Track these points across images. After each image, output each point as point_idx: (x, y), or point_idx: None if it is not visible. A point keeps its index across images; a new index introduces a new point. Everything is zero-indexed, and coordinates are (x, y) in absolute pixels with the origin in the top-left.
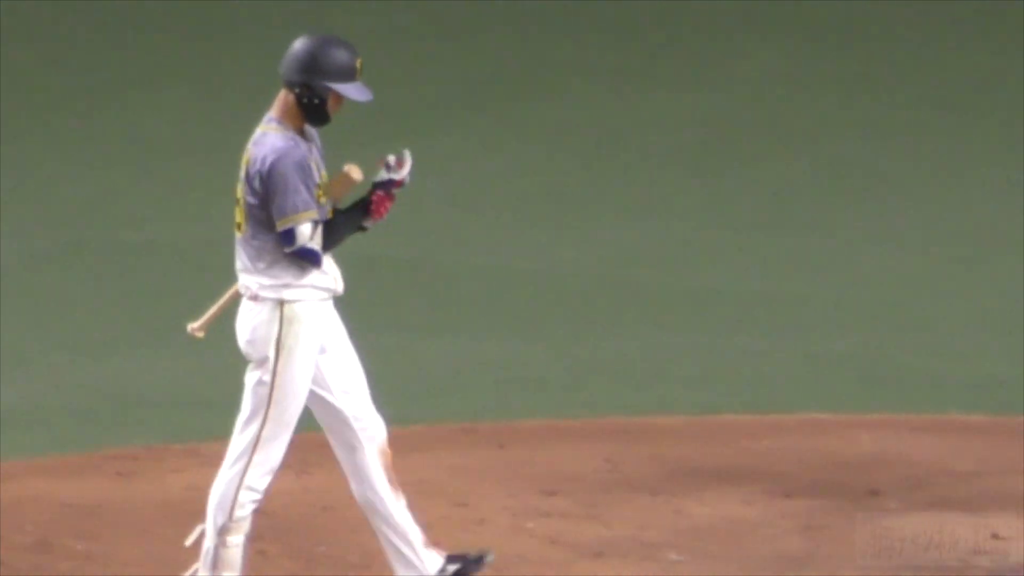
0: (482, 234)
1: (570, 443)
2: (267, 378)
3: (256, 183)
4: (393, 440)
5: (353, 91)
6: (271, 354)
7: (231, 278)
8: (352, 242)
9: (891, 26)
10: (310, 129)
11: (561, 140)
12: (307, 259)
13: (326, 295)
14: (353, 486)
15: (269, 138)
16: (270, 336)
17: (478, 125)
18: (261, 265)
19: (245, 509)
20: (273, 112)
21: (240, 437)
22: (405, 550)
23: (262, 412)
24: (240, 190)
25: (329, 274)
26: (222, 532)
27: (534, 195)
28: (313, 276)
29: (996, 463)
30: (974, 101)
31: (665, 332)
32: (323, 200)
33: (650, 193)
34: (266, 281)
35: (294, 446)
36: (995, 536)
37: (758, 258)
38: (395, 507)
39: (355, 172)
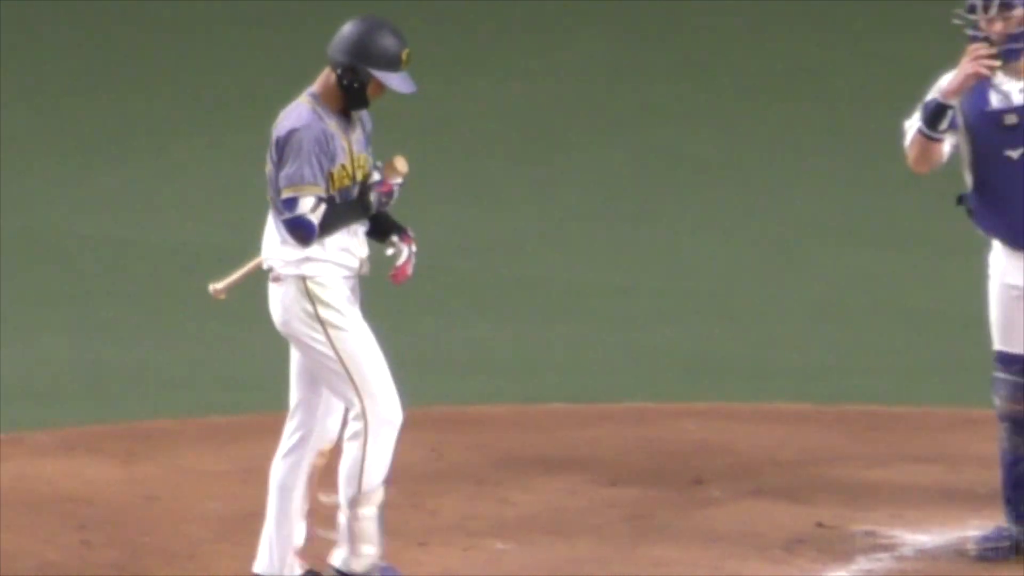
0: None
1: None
2: (330, 354)
3: (274, 150)
4: (222, 429)
5: (395, 81)
6: (313, 332)
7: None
8: (163, 227)
9: (715, 15)
10: (360, 111)
11: (384, 129)
12: (300, 229)
13: (348, 272)
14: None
15: (297, 109)
16: (306, 316)
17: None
18: (283, 238)
19: (375, 481)
20: (314, 87)
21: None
22: (272, 542)
23: (350, 386)
24: (267, 167)
25: (354, 254)
26: (352, 503)
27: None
28: (334, 253)
29: (819, 452)
30: (798, 90)
31: (490, 321)
32: (347, 182)
33: (475, 182)
34: (288, 256)
35: (119, 435)
36: (819, 525)
37: (583, 247)
38: (294, 502)
39: (400, 163)
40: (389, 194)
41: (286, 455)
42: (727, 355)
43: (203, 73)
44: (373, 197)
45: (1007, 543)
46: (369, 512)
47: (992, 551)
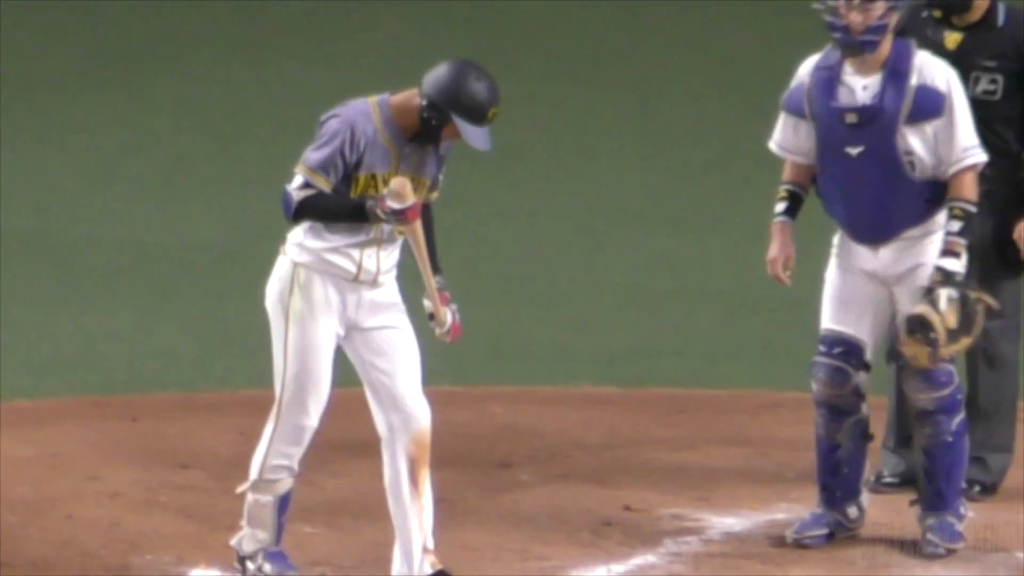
0: (110, 208)
1: (203, 416)
2: (278, 342)
3: (317, 124)
4: (25, 413)
5: (473, 135)
6: (278, 315)
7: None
8: None
9: (520, 0)
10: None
11: (189, 113)
12: (283, 201)
13: (342, 274)
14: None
15: (355, 103)
16: (277, 293)
17: (103, 98)
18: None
19: (275, 473)
20: (394, 95)
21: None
22: (401, 544)
23: (280, 376)
24: None
25: (354, 260)
26: (252, 488)
27: (162, 169)
28: (328, 252)
29: (626, 435)
30: (602, 75)
31: None
32: (373, 193)
33: (281, 166)
34: (292, 236)
35: None
36: (626, 508)
37: None
38: (407, 500)
39: (396, 184)
40: (387, 212)
41: (383, 455)
42: (533, 338)
43: (4, 54)
44: (370, 204)
45: (824, 530)
46: (264, 500)
47: (811, 539)
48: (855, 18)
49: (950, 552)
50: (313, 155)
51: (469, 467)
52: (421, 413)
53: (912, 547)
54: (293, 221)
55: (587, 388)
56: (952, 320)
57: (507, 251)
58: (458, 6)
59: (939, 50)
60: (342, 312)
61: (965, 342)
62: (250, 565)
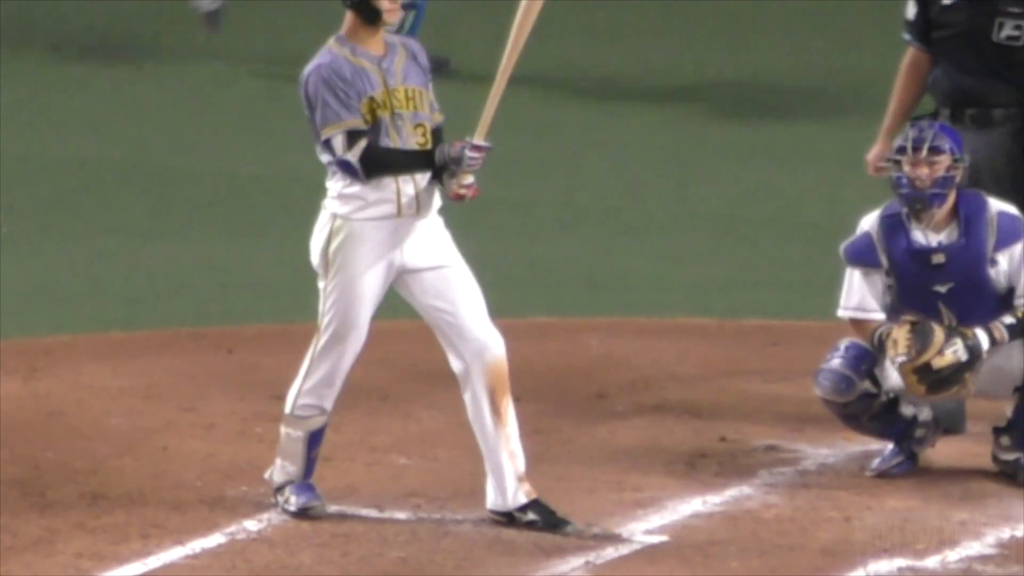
0: (204, 138)
1: (298, 348)
2: (321, 289)
3: (302, 96)
4: (121, 345)
5: None
6: (321, 266)
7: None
8: (63, 142)
9: None
10: (407, 41)
11: (284, 42)
12: (345, 171)
13: (385, 212)
14: (465, 398)
15: (318, 54)
16: (319, 246)
17: (197, 29)
18: (330, 178)
19: (306, 411)
20: (344, 27)
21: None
22: (493, 475)
23: (321, 321)
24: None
25: (391, 195)
26: (284, 420)
27: (257, 99)
28: (366, 192)
29: (721, 366)
30: (697, 6)
31: None
32: (382, 114)
33: None
34: (330, 189)
35: (19, 351)
36: (722, 439)
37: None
38: (492, 430)
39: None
40: (460, 153)
41: (463, 392)
42: (628, 270)
43: None
44: (438, 154)
45: (900, 457)
46: (297, 434)
47: (892, 468)
48: (922, 172)
49: None
50: (324, 113)
51: (564, 398)
52: (494, 343)
53: (1006, 477)
54: (369, 180)
55: (682, 319)
56: (938, 363)
57: (602, 182)
58: None
59: None
60: (388, 260)
61: (919, 385)
62: (279, 497)
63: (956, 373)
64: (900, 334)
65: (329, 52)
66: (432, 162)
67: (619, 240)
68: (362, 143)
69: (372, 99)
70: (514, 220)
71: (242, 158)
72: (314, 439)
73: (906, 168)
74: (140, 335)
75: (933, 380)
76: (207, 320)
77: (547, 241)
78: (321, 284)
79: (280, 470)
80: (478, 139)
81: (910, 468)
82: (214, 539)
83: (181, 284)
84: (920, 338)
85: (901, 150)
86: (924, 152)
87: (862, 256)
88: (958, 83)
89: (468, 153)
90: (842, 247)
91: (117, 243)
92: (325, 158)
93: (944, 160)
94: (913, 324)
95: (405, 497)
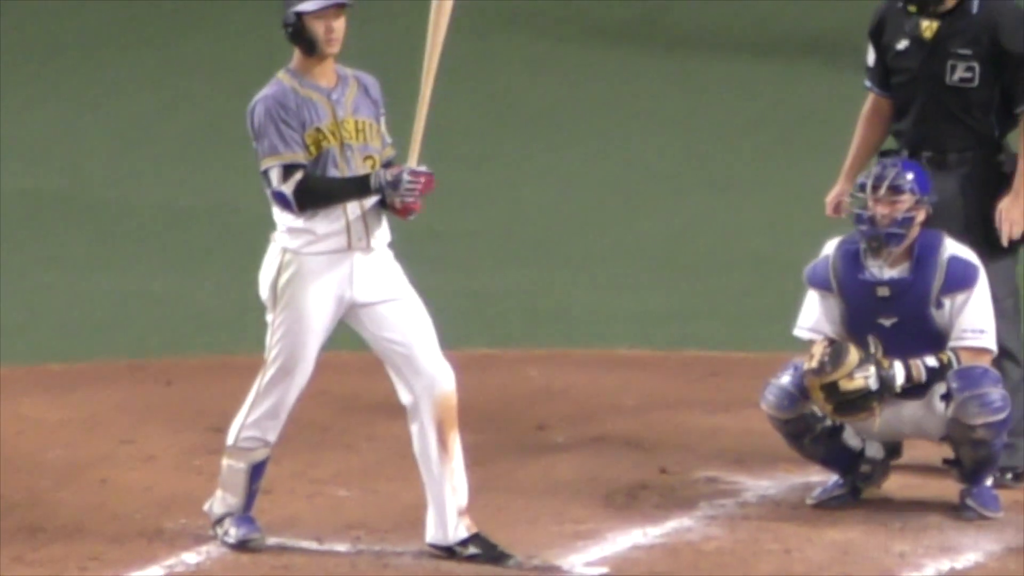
0: (144, 170)
1: (237, 379)
2: (269, 322)
3: (248, 126)
4: (60, 377)
5: (308, 6)
6: (269, 300)
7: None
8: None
9: None
10: (360, 74)
11: (225, 75)
12: (279, 202)
13: (335, 247)
14: (412, 429)
15: (267, 85)
16: (268, 279)
17: (139, 59)
18: (274, 207)
19: (250, 443)
20: (293, 59)
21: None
22: (435, 508)
23: (268, 354)
24: None
25: (339, 229)
26: (226, 452)
27: (197, 131)
28: (315, 226)
29: (662, 398)
30: (639, 35)
31: None
32: (328, 145)
33: None
34: (280, 222)
35: None
36: (662, 471)
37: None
38: (437, 464)
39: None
40: (397, 178)
41: (410, 423)
42: (569, 301)
43: (40, 15)
44: (374, 179)
45: (843, 490)
46: (237, 466)
47: (831, 500)
48: (882, 210)
49: (987, 519)
50: (263, 144)
51: (504, 430)
52: (444, 377)
53: (948, 509)
54: (301, 213)
55: (623, 351)
56: (846, 385)
57: (543, 213)
58: None
59: (917, 39)
60: (338, 295)
61: (825, 403)
62: (218, 529)
63: (863, 399)
64: (817, 348)
65: (277, 83)
66: (368, 188)
67: (560, 271)
68: (297, 176)
69: (319, 130)
70: (455, 251)
71: (181, 190)
72: (256, 471)
73: (869, 205)
74: (79, 367)
75: (839, 401)
76: (146, 352)
77: (488, 273)
78: (269, 317)
79: (220, 502)
80: (412, 163)
81: (851, 501)
82: (153, 572)
83: (120, 316)
84: (834, 357)
85: (862, 187)
86: (883, 191)
87: (818, 279)
88: (915, 126)
89: (407, 178)
90: (805, 268)
91: (56, 275)
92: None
93: (905, 200)
94: (832, 342)
95: (345, 529)
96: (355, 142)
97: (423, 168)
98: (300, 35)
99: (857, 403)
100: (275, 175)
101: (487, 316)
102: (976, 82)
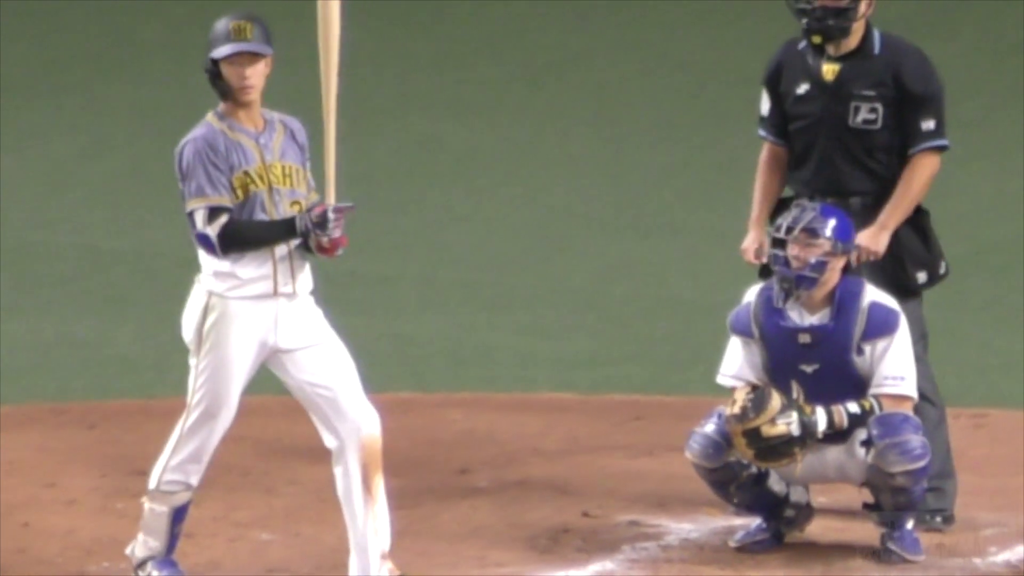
0: (67, 214)
1: (160, 423)
2: (193, 365)
3: (176, 167)
4: None
5: (223, 50)
6: (194, 343)
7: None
8: None
9: (477, 5)
10: (287, 119)
11: (146, 119)
12: (202, 245)
13: (261, 292)
14: (336, 472)
15: (196, 127)
16: (192, 322)
17: (60, 103)
18: (200, 251)
19: (172, 486)
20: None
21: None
22: (357, 552)
23: (190, 397)
24: None
25: (266, 274)
26: (148, 495)
27: (119, 175)
28: (241, 270)
29: (585, 441)
30: (560, 80)
31: None
32: (256, 189)
33: None
34: (205, 265)
35: None
36: (585, 514)
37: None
38: (361, 508)
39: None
40: (322, 217)
41: (334, 466)
42: (491, 345)
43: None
44: (299, 221)
45: (766, 535)
46: (159, 510)
47: (754, 544)
48: (796, 252)
49: (909, 563)
50: (190, 186)
51: (426, 474)
52: (369, 420)
53: (871, 553)
54: (225, 256)
55: (545, 394)
56: (768, 431)
57: (465, 257)
58: (416, 10)
59: (818, 82)
60: (262, 340)
61: (747, 449)
62: (140, 573)
63: (785, 445)
64: (739, 394)
65: (207, 125)
66: (294, 230)
67: (482, 315)
68: (222, 219)
69: (247, 173)
70: (377, 295)
71: (104, 233)
72: (178, 515)
73: (786, 246)
74: (1, 411)
75: (761, 447)
76: (69, 395)
77: (410, 316)
78: (192, 361)
79: (142, 545)
80: (332, 199)
81: (774, 544)
82: None
83: (42, 360)
84: (756, 403)
85: (779, 228)
86: (797, 232)
87: (740, 326)
88: (816, 172)
89: (331, 215)
90: (729, 315)
91: None
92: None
93: (822, 244)
94: (754, 388)
95: (267, 573)
96: (283, 186)
97: (345, 204)
98: (216, 81)
99: (779, 449)
100: (200, 217)
101: (410, 360)
102: (879, 124)
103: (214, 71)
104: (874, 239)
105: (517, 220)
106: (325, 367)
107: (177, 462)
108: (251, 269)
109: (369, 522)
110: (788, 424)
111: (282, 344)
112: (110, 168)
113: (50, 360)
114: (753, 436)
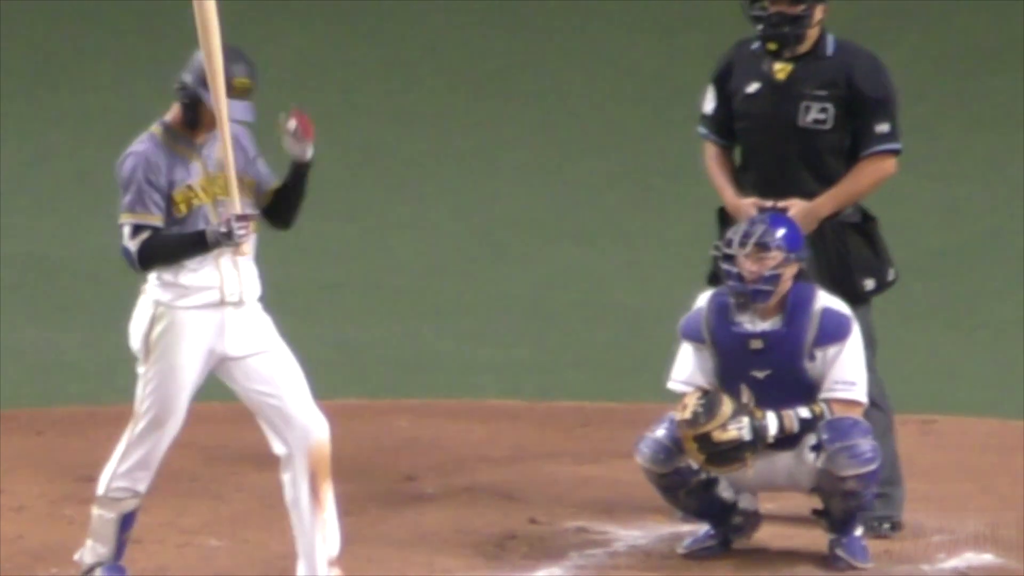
0: (11, 222)
1: (108, 429)
2: (141, 374)
3: (116, 177)
4: None
5: (232, 107)
6: (142, 351)
7: None
8: None
9: (421, 13)
10: (234, 127)
11: (91, 126)
12: (125, 257)
13: (208, 301)
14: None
15: (139, 139)
16: (139, 331)
17: (4, 111)
18: None
19: (120, 493)
20: (170, 113)
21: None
22: (305, 559)
23: (138, 405)
24: None
25: (212, 283)
26: (96, 501)
27: (64, 182)
28: (189, 279)
29: (531, 448)
30: (502, 87)
31: None
32: (199, 203)
33: None
34: (148, 278)
35: None
36: (532, 521)
37: (289, 245)
38: (308, 514)
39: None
40: (227, 226)
41: (283, 473)
42: (436, 351)
43: None
44: (210, 235)
45: (713, 542)
46: (108, 516)
47: (702, 551)
48: (749, 266)
49: (857, 570)
50: (126, 200)
51: (373, 480)
52: (318, 427)
53: (818, 560)
54: (144, 270)
55: (491, 401)
56: (719, 436)
57: (410, 263)
58: (362, 19)
59: (769, 82)
60: (209, 347)
61: (698, 454)
62: None
63: (736, 450)
64: (690, 399)
65: (150, 139)
66: (206, 243)
67: (428, 322)
68: (144, 235)
69: (190, 187)
70: (322, 302)
71: (50, 241)
72: (126, 521)
73: (737, 260)
74: None
75: (712, 452)
76: (15, 402)
77: (355, 323)
78: (141, 369)
79: (90, 551)
80: (237, 207)
81: (722, 552)
82: None
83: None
84: (707, 408)
85: (729, 243)
86: (749, 248)
87: (691, 331)
88: (763, 174)
89: (235, 224)
90: (680, 320)
91: None
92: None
93: (774, 256)
94: (705, 393)
95: None
96: (227, 197)
97: (249, 211)
98: (190, 110)
99: (730, 454)
100: (127, 231)
101: (356, 366)
102: (829, 124)
103: (193, 101)
104: (804, 218)
105: (462, 227)
106: (272, 374)
107: (125, 469)
108: (197, 278)
109: (317, 529)
110: (739, 429)
111: (230, 351)
112: (56, 176)
113: None
114: (704, 441)
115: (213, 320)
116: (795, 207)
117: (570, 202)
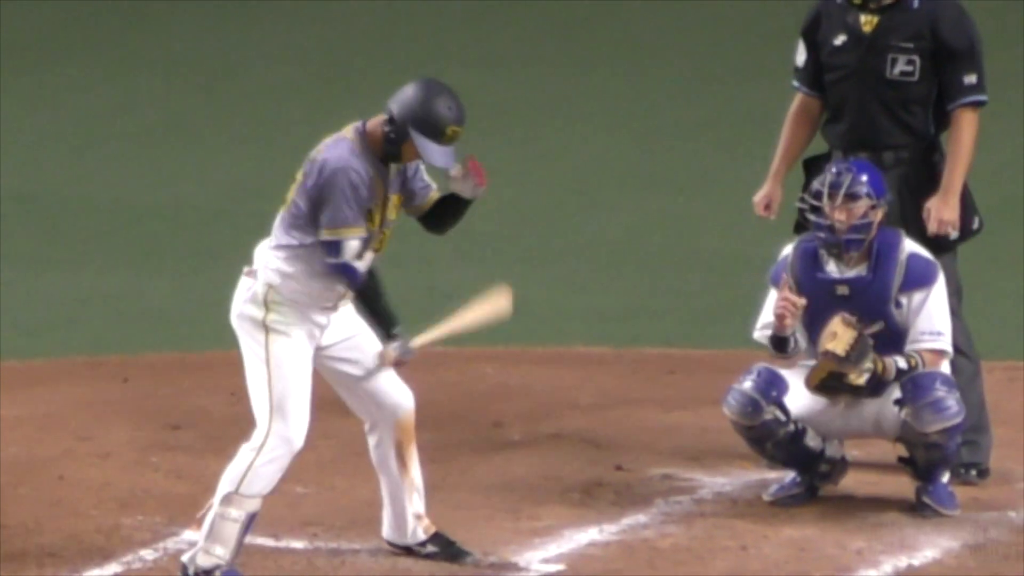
0: (101, 168)
1: (194, 376)
2: (262, 357)
3: (311, 183)
4: (17, 374)
5: (430, 151)
6: (259, 334)
7: None
8: None
9: None
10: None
11: (181, 72)
12: (346, 275)
13: (320, 301)
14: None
15: (341, 146)
16: (254, 318)
17: (94, 57)
18: (279, 251)
19: (254, 492)
20: (370, 123)
21: (258, 415)
22: (393, 511)
23: (266, 397)
24: (298, 175)
25: (332, 298)
26: (224, 500)
27: (151, 128)
28: (310, 283)
29: (619, 395)
30: (595, 33)
31: None
32: (372, 226)
33: (266, 125)
34: (272, 263)
35: None
36: (618, 468)
37: None
38: (395, 476)
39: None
40: (406, 356)
41: (369, 435)
42: (525, 298)
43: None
44: (394, 340)
45: (799, 489)
46: (237, 515)
47: (788, 499)
48: (839, 216)
49: (944, 516)
50: (342, 213)
51: (461, 428)
52: (404, 400)
53: (905, 507)
54: (355, 291)
55: (580, 348)
56: (855, 380)
57: (499, 210)
58: None
59: (856, 34)
60: (316, 343)
61: (822, 378)
62: None
63: (852, 390)
64: (845, 333)
65: (357, 156)
66: (389, 333)
67: (516, 268)
68: (368, 256)
69: (370, 211)
70: (411, 247)
71: (137, 187)
72: (251, 521)
73: (826, 211)
74: (36, 364)
75: (832, 385)
76: (103, 349)
77: (444, 269)
78: (255, 354)
79: (206, 555)
80: (418, 343)
81: (808, 498)
82: (110, 568)
83: (77, 314)
84: (859, 351)
85: (818, 195)
86: (839, 199)
87: (778, 279)
88: (850, 125)
89: (408, 355)
90: (770, 270)
91: (13, 272)
92: (304, 245)
93: (862, 205)
94: (860, 334)
95: (302, 526)
96: (392, 217)
97: (418, 348)
98: (392, 144)
99: (842, 388)
100: (352, 248)
101: (443, 312)
102: (916, 76)
103: (400, 138)
104: (944, 207)
105: (550, 174)
106: (361, 358)
107: (263, 470)
108: (319, 286)
109: (404, 489)
110: (865, 377)
111: (323, 342)
112: (145, 122)
113: (85, 314)
114: (837, 377)
115: (320, 313)
116: (933, 207)
117: (658, 149)
